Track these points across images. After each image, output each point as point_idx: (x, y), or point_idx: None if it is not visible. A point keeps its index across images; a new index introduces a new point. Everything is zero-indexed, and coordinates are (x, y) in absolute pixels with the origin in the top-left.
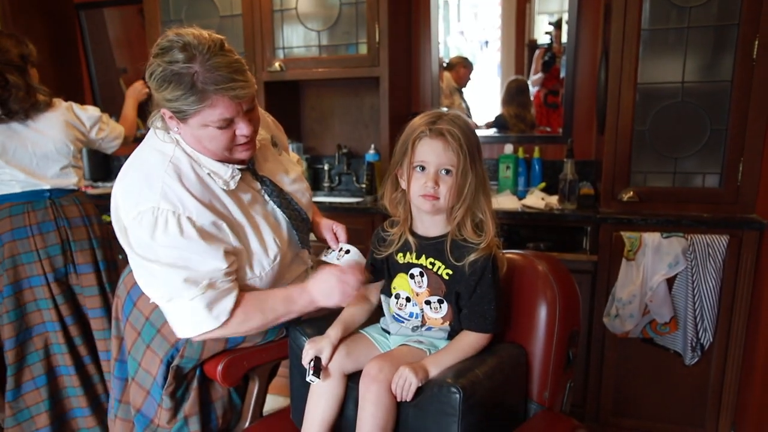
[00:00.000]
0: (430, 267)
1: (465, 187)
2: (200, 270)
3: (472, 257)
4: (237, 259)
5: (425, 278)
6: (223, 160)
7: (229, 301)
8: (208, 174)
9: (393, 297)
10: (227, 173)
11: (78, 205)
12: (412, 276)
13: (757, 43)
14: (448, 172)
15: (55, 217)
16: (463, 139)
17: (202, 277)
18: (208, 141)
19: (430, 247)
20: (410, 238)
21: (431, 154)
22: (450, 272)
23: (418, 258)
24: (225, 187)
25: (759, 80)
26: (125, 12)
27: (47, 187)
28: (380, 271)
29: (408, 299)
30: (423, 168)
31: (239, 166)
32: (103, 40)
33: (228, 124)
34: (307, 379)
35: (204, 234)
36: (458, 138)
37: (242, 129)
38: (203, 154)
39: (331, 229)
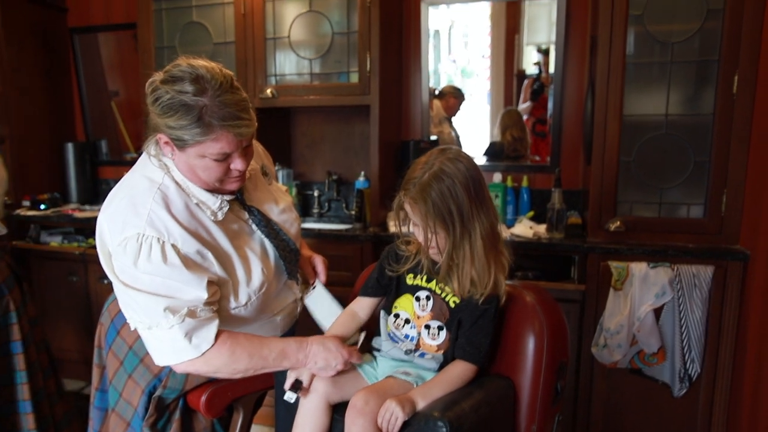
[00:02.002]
0: (438, 292)
1: (444, 246)
2: (181, 298)
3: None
4: (221, 289)
5: (431, 302)
6: (213, 190)
7: (210, 330)
8: (196, 204)
9: (392, 315)
10: (215, 204)
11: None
12: (417, 299)
13: (737, 78)
14: (434, 232)
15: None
16: (430, 208)
17: (182, 306)
18: (202, 171)
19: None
20: (425, 260)
21: (412, 215)
22: (457, 300)
23: (428, 282)
24: (213, 218)
25: (739, 114)
26: (119, 35)
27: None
28: (385, 287)
29: (407, 321)
30: (416, 226)
31: (228, 197)
32: (95, 63)
33: (225, 157)
34: (285, 398)
35: (188, 262)
36: (421, 209)
37: (237, 164)
38: (193, 182)
39: (310, 263)
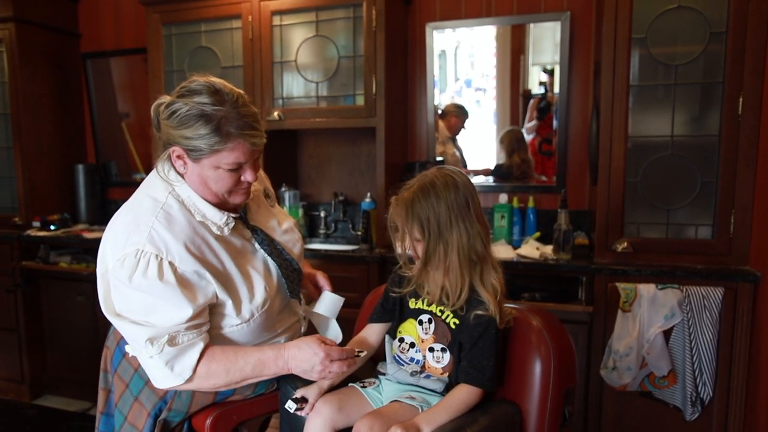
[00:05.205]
0: (439, 314)
1: (425, 253)
2: (163, 325)
3: (479, 311)
4: (220, 308)
5: (433, 325)
6: (219, 204)
7: (192, 356)
8: (200, 222)
9: (397, 340)
10: (222, 219)
11: None
12: (420, 322)
13: (741, 100)
14: (412, 237)
15: None
16: (409, 213)
17: (162, 334)
18: (215, 182)
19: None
20: (425, 283)
21: (396, 220)
22: (457, 321)
23: (429, 305)
24: (219, 233)
25: (745, 136)
26: (130, 59)
27: None
28: (390, 312)
29: (412, 344)
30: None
31: (233, 214)
32: (107, 86)
33: (238, 168)
34: (285, 406)
35: (182, 281)
36: (401, 212)
37: (248, 175)
38: (202, 195)
39: (311, 280)
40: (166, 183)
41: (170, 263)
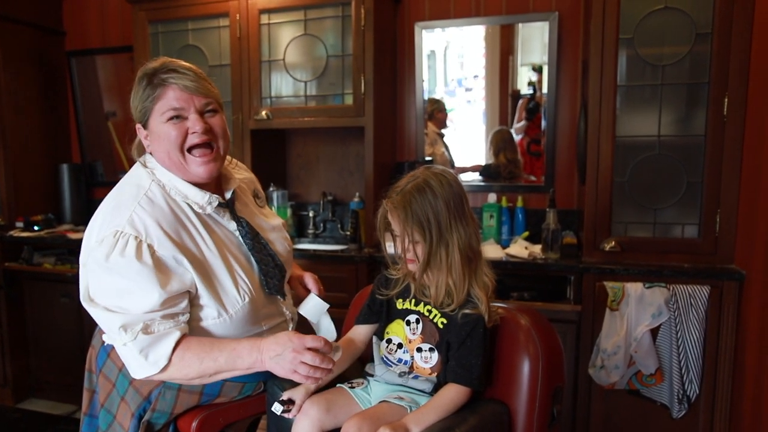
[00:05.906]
0: (426, 314)
1: (421, 254)
2: (136, 312)
3: (467, 309)
4: (197, 299)
5: (420, 325)
6: (181, 171)
7: (167, 345)
8: (183, 210)
9: (384, 341)
10: (204, 198)
11: None
12: (408, 322)
13: (726, 100)
14: (411, 240)
15: None
16: (409, 215)
17: (136, 321)
18: (166, 141)
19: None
20: (412, 283)
21: (392, 221)
22: (445, 321)
23: (416, 305)
24: (201, 211)
25: (730, 136)
26: (116, 57)
27: None
28: (377, 314)
29: (400, 345)
30: (396, 235)
31: (217, 196)
32: (92, 85)
33: (179, 115)
34: (272, 408)
35: (159, 265)
36: (400, 215)
37: (193, 124)
38: (169, 168)
39: (300, 282)
40: (147, 170)
41: (149, 245)
